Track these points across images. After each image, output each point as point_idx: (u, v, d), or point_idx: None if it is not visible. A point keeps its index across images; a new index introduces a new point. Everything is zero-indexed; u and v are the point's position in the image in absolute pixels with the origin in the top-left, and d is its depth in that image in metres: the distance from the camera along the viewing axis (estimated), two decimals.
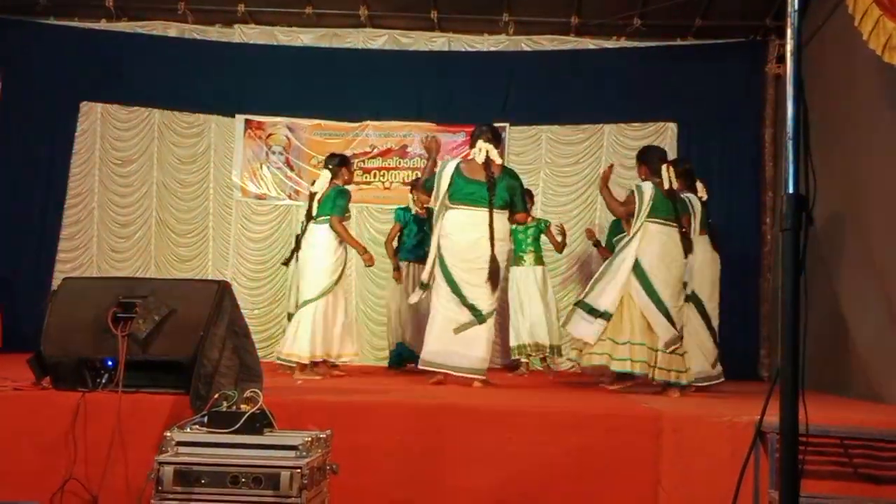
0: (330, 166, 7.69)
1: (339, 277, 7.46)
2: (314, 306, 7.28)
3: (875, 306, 6.60)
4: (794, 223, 2.44)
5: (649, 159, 6.96)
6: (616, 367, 6.49)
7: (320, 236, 7.42)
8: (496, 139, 7.15)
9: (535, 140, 10.09)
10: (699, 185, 7.60)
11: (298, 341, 7.22)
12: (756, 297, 9.53)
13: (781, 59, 9.35)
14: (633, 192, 6.80)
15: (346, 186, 7.69)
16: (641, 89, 9.80)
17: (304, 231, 7.59)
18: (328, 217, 7.38)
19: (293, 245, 7.69)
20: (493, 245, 6.74)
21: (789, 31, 2.54)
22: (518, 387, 7.05)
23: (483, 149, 6.95)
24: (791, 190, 2.47)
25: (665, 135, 9.89)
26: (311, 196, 7.65)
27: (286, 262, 8.11)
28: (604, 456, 4.67)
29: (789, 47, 2.54)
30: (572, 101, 9.96)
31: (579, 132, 10.03)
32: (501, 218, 6.91)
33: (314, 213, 7.50)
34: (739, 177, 9.69)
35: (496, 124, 9.84)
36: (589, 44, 10.11)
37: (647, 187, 6.72)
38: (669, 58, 9.88)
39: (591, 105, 9.94)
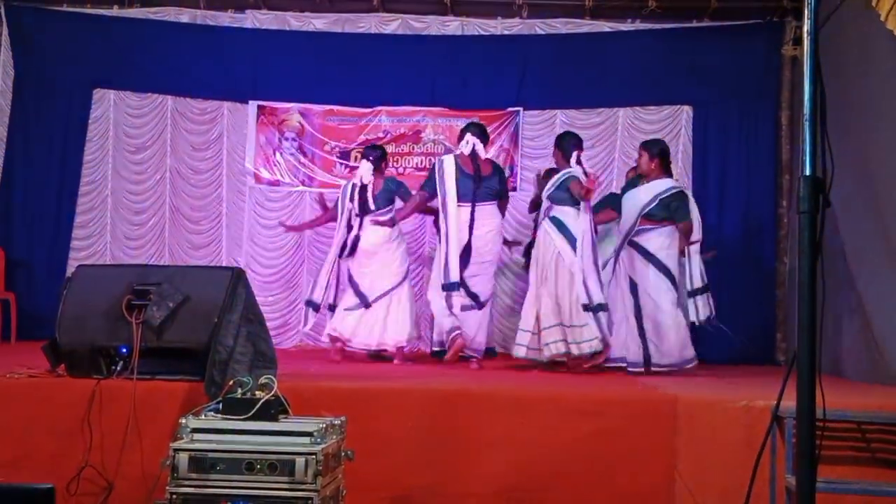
0: (371, 158, 7.79)
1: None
2: (397, 295, 7.57)
3: (893, 289, 6.55)
4: (811, 206, 2.42)
5: (564, 146, 7.18)
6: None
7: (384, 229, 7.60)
8: (483, 136, 7.43)
9: (550, 124, 10.03)
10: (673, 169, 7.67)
11: (395, 329, 7.55)
12: (772, 281, 9.48)
13: (798, 41, 9.26)
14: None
15: None
16: (657, 72, 9.73)
17: (360, 225, 7.67)
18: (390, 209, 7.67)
19: (350, 237, 7.72)
20: (471, 235, 7.11)
21: (806, 12, 2.52)
22: (532, 372, 7.04)
23: (470, 142, 7.24)
24: (808, 172, 2.44)
25: (680, 118, 9.83)
26: (363, 188, 7.68)
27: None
28: (619, 441, 4.66)
29: (806, 28, 2.51)
30: (587, 85, 9.89)
31: (594, 116, 9.95)
32: (491, 209, 7.26)
33: (371, 206, 7.60)
34: (755, 160, 9.61)
35: (511, 108, 9.92)
36: (604, 26, 10.04)
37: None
38: (685, 40, 9.80)
39: (606, 88, 9.87)
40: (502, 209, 7.51)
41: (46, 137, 9.88)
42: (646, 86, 9.78)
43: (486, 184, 7.19)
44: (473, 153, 7.19)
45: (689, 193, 7.38)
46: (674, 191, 7.21)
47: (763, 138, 9.62)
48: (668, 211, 7.09)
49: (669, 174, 7.37)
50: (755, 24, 9.72)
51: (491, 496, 4.62)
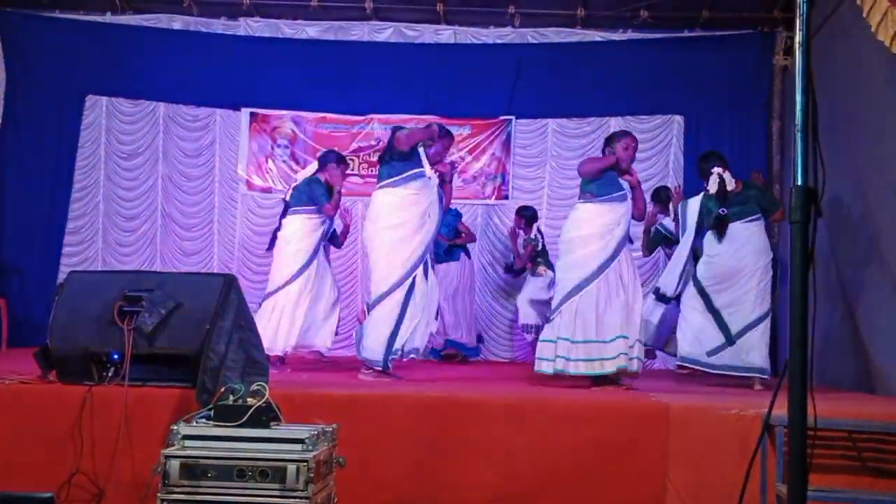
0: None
1: None
2: None
3: (884, 298, 6.58)
4: (802, 215, 2.43)
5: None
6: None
7: None
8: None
9: (541, 133, 10.07)
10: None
11: None
12: None
13: (789, 51, 9.31)
14: None
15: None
16: (648, 82, 9.77)
17: None
18: None
19: None
20: None
21: (798, 22, 2.52)
22: (525, 379, 7.04)
23: None
24: (800, 182, 2.45)
25: (672, 127, 9.86)
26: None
27: None
28: (611, 448, 4.67)
29: (798, 38, 2.51)
30: (578, 94, 9.93)
31: (585, 125, 10.00)
32: None
33: None
34: (746, 169, 9.61)
35: (503, 117, 9.94)
36: (595, 36, 10.08)
37: None
38: (676, 50, 9.84)
39: (598, 98, 9.91)
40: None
41: (38, 143, 9.86)
42: (637, 95, 9.82)
43: None
44: None
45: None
46: None
47: (754, 148, 9.65)
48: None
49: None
50: (747, 35, 9.76)
51: None
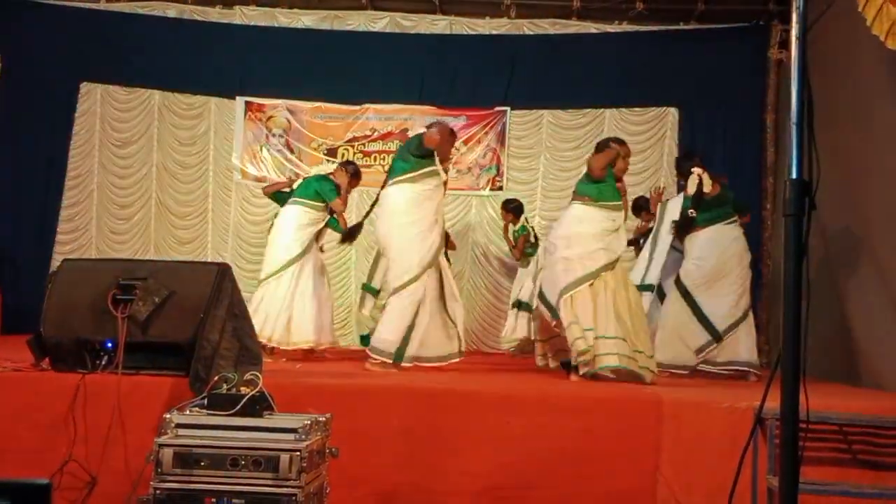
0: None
1: None
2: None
3: (876, 293, 6.60)
4: (797, 208, 2.43)
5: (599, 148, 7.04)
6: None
7: None
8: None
9: (536, 124, 10.07)
10: None
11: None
12: (755, 284, 9.49)
13: (784, 45, 9.32)
14: None
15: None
16: (643, 74, 9.77)
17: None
18: None
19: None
20: None
21: (794, 16, 2.52)
22: (518, 371, 7.05)
23: None
24: (794, 175, 2.45)
25: (666, 120, 9.87)
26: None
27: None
28: (603, 440, 4.67)
29: (794, 32, 2.51)
30: (574, 86, 9.93)
31: (580, 116, 10.00)
32: None
33: None
34: (740, 162, 9.66)
35: (498, 107, 9.93)
36: (591, 28, 10.09)
37: None
38: (671, 42, 9.85)
39: (593, 89, 9.92)
40: None
41: (33, 131, 9.85)
42: (632, 87, 9.83)
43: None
44: None
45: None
46: None
47: (748, 141, 9.67)
48: None
49: None
50: (741, 28, 9.77)
51: (475, 494, 4.62)
